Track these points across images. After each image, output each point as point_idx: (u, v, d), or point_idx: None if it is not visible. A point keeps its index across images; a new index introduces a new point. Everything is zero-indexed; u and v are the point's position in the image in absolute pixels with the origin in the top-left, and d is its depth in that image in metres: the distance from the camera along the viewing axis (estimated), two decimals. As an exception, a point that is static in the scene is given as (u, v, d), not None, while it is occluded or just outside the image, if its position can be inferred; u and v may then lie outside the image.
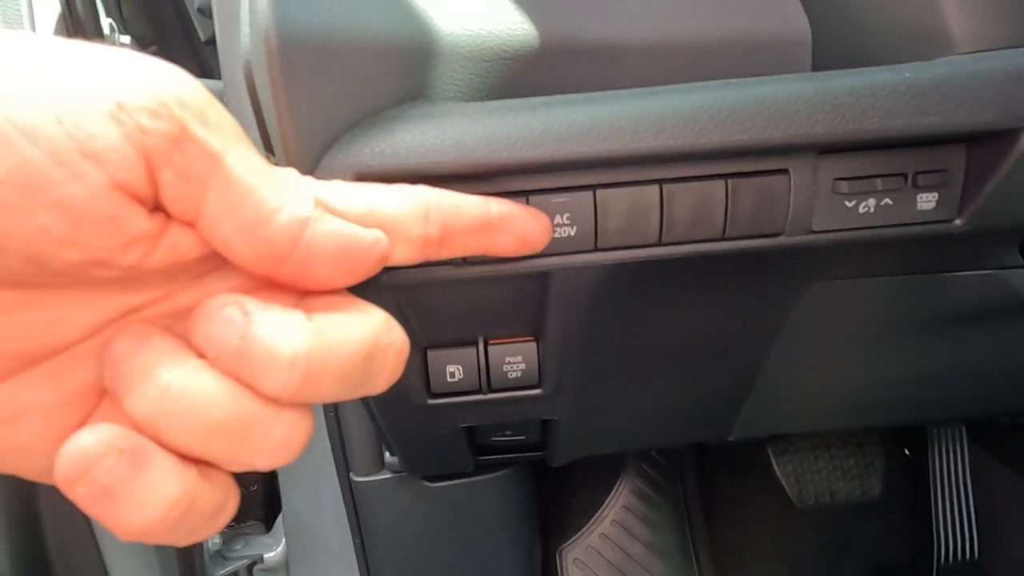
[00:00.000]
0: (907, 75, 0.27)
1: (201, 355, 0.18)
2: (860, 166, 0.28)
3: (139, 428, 0.17)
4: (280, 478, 0.64)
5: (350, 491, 0.56)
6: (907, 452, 0.84)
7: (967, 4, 0.28)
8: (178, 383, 0.17)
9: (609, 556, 0.79)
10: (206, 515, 0.18)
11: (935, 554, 0.79)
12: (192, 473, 0.18)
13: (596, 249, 0.28)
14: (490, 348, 0.33)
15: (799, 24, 0.34)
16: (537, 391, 0.35)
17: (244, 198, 0.18)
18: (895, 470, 0.83)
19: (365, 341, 0.19)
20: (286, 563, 0.74)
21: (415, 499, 0.56)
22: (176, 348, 0.18)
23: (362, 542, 0.58)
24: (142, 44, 0.86)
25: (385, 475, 0.55)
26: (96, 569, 0.60)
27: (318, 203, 0.19)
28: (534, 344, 0.34)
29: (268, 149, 0.27)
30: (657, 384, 0.40)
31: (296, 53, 0.24)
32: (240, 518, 0.82)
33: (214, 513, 0.18)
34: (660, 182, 0.28)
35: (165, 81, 0.17)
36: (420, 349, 0.33)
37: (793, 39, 0.34)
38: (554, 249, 0.28)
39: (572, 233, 0.28)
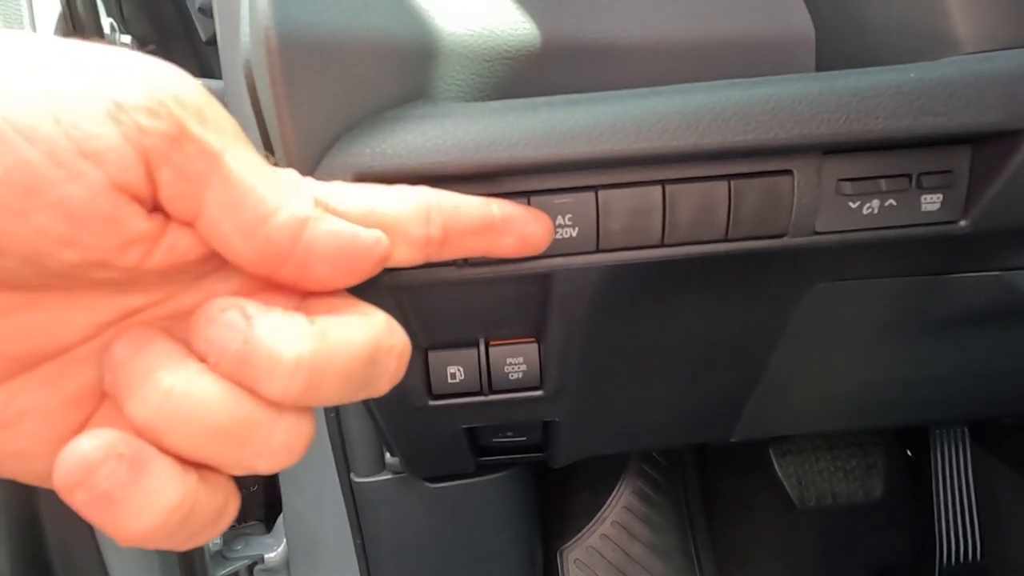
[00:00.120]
0: (912, 75, 0.26)
1: (201, 358, 0.18)
2: (864, 167, 0.28)
3: (140, 432, 0.17)
4: (281, 479, 0.64)
5: (351, 492, 0.56)
6: (909, 453, 0.84)
7: (972, 4, 0.28)
8: (179, 387, 0.17)
9: (610, 557, 0.79)
10: (206, 520, 0.18)
11: (937, 555, 0.79)
12: (192, 477, 0.17)
13: (598, 250, 0.28)
14: (491, 349, 0.33)
15: (803, 24, 0.34)
16: (538, 392, 0.35)
17: (243, 197, 0.18)
18: (897, 471, 0.83)
19: (367, 344, 0.19)
20: (287, 563, 0.74)
21: (416, 500, 0.56)
22: (176, 352, 0.18)
23: (363, 543, 0.58)
24: (142, 44, 0.86)
25: (386, 476, 0.55)
26: (97, 569, 0.59)
27: (318, 203, 0.19)
28: (535, 345, 0.33)
29: (268, 149, 0.27)
30: (659, 385, 0.40)
31: (296, 53, 0.24)
32: (241, 518, 0.82)
33: (214, 517, 0.18)
34: (663, 183, 0.28)
35: (163, 80, 0.17)
36: (421, 350, 0.33)
37: (797, 39, 0.33)
38: (556, 250, 0.28)
39: (574, 234, 0.28)
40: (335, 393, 0.18)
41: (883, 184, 0.28)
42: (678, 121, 0.26)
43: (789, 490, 0.82)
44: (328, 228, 0.19)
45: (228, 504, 0.19)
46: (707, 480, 0.84)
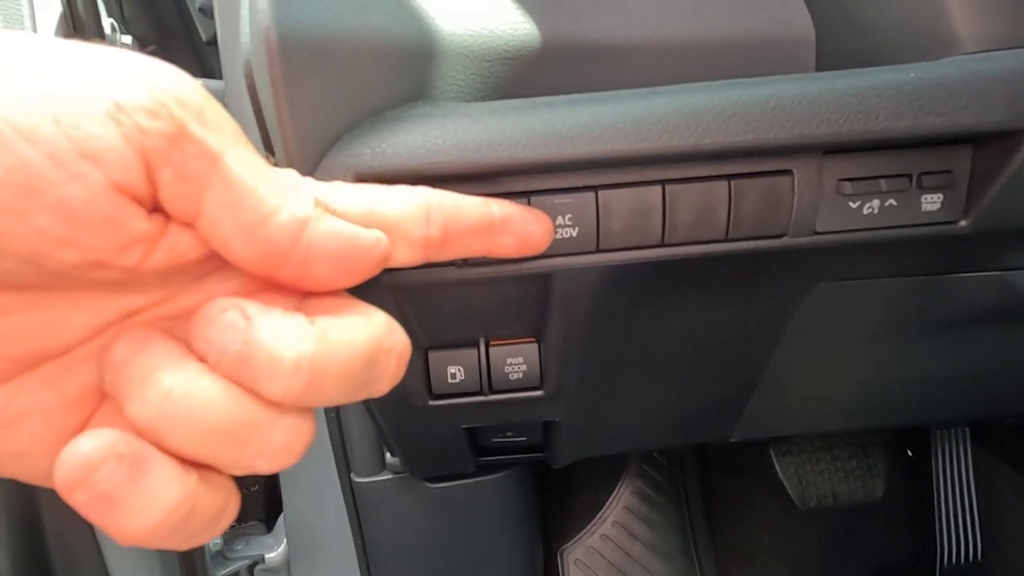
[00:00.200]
0: (912, 75, 0.26)
1: (202, 359, 0.18)
2: (865, 167, 0.28)
3: (140, 433, 0.17)
4: (281, 479, 0.64)
5: (351, 492, 0.56)
6: (910, 453, 0.84)
7: (972, 4, 0.28)
8: (179, 388, 0.17)
9: (610, 557, 0.79)
10: (206, 520, 0.18)
11: (938, 555, 0.79)
12: (192, 478, 0.17)
13: (598, 250, 0.28)
14: (491, 349, 0.33)
15: (803, 24, 0.34)
16: (538, 392, 0.35)
17: (243, 198, 0.18)
18: (898, 471, 0.83)
19: (367, 344, 0.19)
20: (287, 563, 0.74)
21: (416, 500, 0.56)
22: (177, 352, 0.18)
23: (363, 543, 0.58)
24: (143, 44, 0.86)
25: (386, 476, 0.55)
26: (97, 569, 0.59)
27: (318, 203, 0.19)
28: (535, 345, 0.33)
29: (268, 149, 0.27)
30: (659, 385, 0.40)
31: (296, 53, 0.24)
32: (241, 518, 0.82)
33: (214, 517, 0.18)
34: (663, 183, 0.27)
35: (163, 81, 0.17)
36: (421, 350, 0.33)
37: (797, 39, 0.33)
38: (556, 250, 0.28)
39: (574, 234, 0.28)
40: (335, 393, 0.18)
41: (883, 184, 0.28)
42: (678, 121, 0.26)
43: (789, 490, 0.82)
44: (328, 228, 0.19)
45: (228, 504, 0.19)
46: (707, 480, 0.84)
